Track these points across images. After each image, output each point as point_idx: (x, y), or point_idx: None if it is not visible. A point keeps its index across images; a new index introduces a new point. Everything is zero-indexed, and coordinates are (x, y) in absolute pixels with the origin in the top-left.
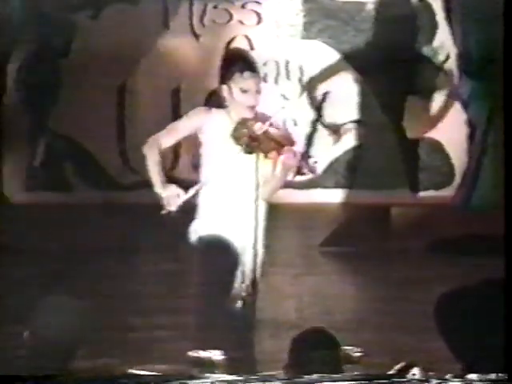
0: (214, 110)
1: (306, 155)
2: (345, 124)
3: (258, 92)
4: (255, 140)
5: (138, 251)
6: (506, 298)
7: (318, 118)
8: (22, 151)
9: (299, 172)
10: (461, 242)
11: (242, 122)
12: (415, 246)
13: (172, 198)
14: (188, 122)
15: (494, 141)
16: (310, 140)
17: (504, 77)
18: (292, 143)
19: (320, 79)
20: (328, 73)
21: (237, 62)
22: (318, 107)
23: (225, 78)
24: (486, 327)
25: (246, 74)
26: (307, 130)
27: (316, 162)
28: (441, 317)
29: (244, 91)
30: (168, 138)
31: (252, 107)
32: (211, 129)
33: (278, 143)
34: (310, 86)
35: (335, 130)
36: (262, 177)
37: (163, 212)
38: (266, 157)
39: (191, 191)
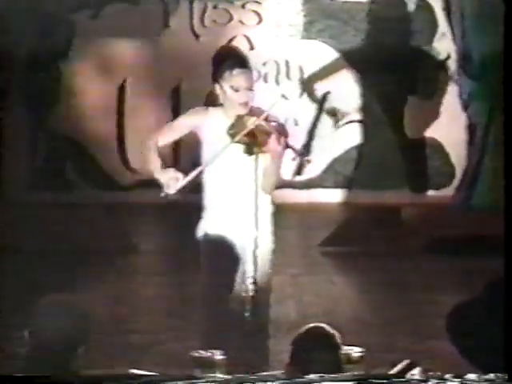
0: (211, 109)
1: (290, 142)
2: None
3: (250, 88)
4: (251, 135)
5: (137, 251)
6: (506, 298)
7: (318, 117)
8: (22, 151)
9: (299, 169)
10: (461, 242)
11: (237, 119)
12: (415, 246)
13: (171, 180)
14: (186, 120)
15: (494, 141)
16: (310, 140)
17: (504, 77)
18: (285, 135)
19: (319, 77)
20: (328, 71)
21: (226, 60)
22: (318, 107)
23: (216, 76)
24: (487, 327)
25: (236, 71)
26: (308, 129)
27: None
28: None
29: (235, 89)
30: (165, 136)
31: (245, 104)
32: (210, 128)
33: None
34: (309, 84)
35: (334, 113)
36: (261, 172)
37: (162, 194)
38: (261, 151)
39: (190, 175)
